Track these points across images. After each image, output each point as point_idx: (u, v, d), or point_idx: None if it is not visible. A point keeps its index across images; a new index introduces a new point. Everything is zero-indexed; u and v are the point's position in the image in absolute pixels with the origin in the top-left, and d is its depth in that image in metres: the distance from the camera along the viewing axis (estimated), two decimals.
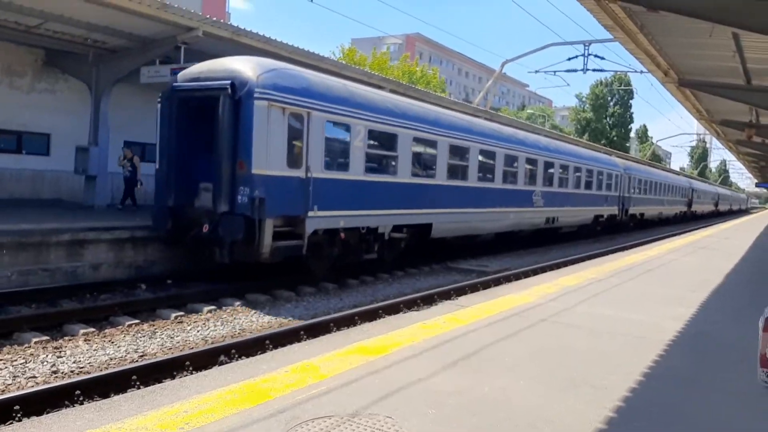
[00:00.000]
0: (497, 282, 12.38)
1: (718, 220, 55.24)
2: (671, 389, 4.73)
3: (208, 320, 8.71)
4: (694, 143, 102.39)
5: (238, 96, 9.90)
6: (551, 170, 20.66)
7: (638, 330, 6.58)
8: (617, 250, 19.68)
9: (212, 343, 7.61)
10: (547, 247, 21.03)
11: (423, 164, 14.01)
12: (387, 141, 12.68)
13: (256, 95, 9.84)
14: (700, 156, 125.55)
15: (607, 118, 77.24)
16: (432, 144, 14.10)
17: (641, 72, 28.14)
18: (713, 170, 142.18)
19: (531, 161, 19.05)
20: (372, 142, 12.22)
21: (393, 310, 9.35)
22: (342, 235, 11.62)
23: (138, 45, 14.80)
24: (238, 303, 9.83)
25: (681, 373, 5.17)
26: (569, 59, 27.99)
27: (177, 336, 7.90)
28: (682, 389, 4.77)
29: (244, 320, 8.84)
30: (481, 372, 4.82)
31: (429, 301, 10.19)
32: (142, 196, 16.30)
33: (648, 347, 5.87)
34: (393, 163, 12.90)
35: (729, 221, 47.50)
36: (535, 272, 13.72)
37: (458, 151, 15.10)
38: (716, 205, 67.67)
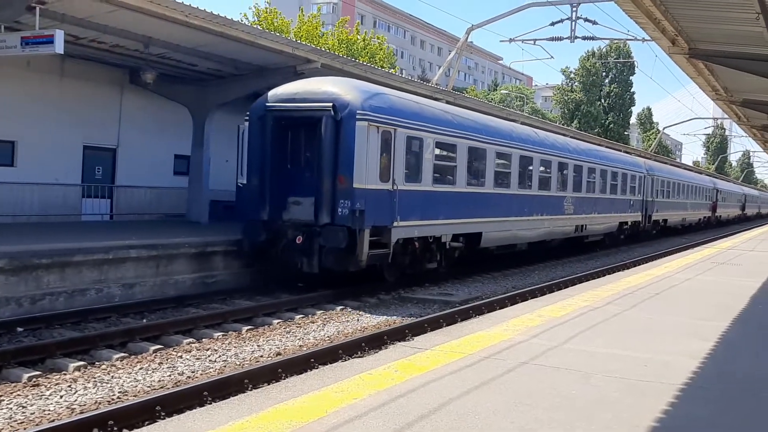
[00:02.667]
0: (465, 315, 12.50)
1: (744, 226, 58.07)
2: None
3: (75, 380, 8.44)
4: (709, 130, 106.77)
5: (339, 117, 13.72)
6: (580, 174, 24.73)
7: (644, 371, 6.78)
8: (617, 268, 20.28)
9: (81, 412, 7.36)
10: (529, 267, 21.46)
11: (474, 173, 17.91)
12: (448, 152, 16.68)
13: (358, 116, 13.72)
14: (717, 146, 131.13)
15: (602, 99, 79.76)
16: (482, 152, 18.07)
17: (643, 40, 29.15)
18: (734, 164, 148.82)
19: (562, 165, 23.20)
20: (438, 153, 16.20)
21: (329, 357, 9.32)
22: (416, 244, 15.52)
23: None
24: (116, 356, 9.58)
25: (701, 425, 5.35)
26: (552, 24, 28.92)
27: (31, 405, 7.62)
28: None
29: (125, 379, 8.61)
30: None
31: (377, 343, 10.21)
32: None
33: (657, 393, 6.05)
34: (452, 173, 16.86)
35: (755, 228, 49.82)
36: (513, 301, 13.95)
37: (503, 158, 19.20)
38: (743, 208, 71.64)
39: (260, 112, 14.63)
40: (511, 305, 12.45)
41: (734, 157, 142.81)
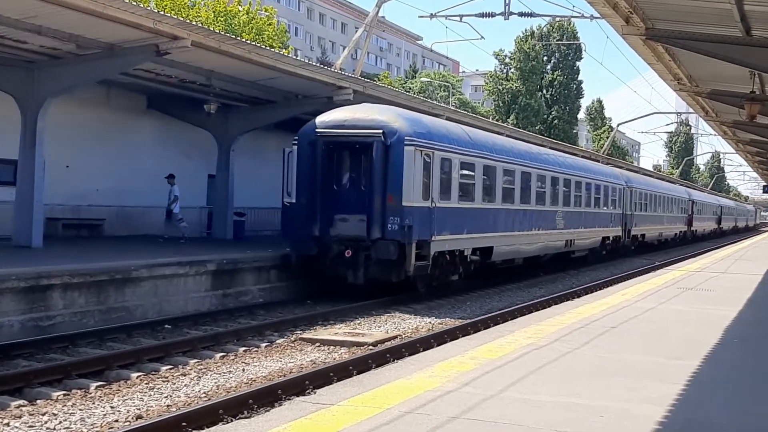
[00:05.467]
0: (381, 359, 12.56)
1: (719, 242, 61.46)
2: None
3: None
4: (672, 127, 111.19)
5: (388, 142, 19.03)
6: (569, 188, 30.93)
7: (600, 423, 6.97)
8: (566, 297, 20.80)
9: None
10: (459, 297, 21.76)
11: (487, 190, 23.53)
12: (468, 170, 22.21)
13: (406, 142, 19.12)
14: (681, 147, 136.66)
15: (543, 89, 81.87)
16: (492, 170, 23.85)
17: (591, 18, 30.21)
18: (702, 168, 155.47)
19: (554, 180, 29.31)
20: (463, 172, 21.78)
21: (207, 419, 9.15)
22: (447, 257, 20.92)
23: None
24: None
25: None
26: None
27: None
28: None
29: None
30: None
31: (269, 399, 10.11)
32: None
33: None
34: (472, 190, 22.48)
35: (730, 245, 52.27)
36: (441, 339, 14.13)
37: (508, 175, 25.06)
38: (719, 221, 76.46)
39: (311, 137, 19.79)
40: (438, 345, 12.59)
41: (702, 159, 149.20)
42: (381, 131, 19.00)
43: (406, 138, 19.12)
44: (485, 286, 24.04)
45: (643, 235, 43.90)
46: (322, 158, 19.56)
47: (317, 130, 19.73)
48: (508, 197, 24.92)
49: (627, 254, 41.00)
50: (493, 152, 24.08)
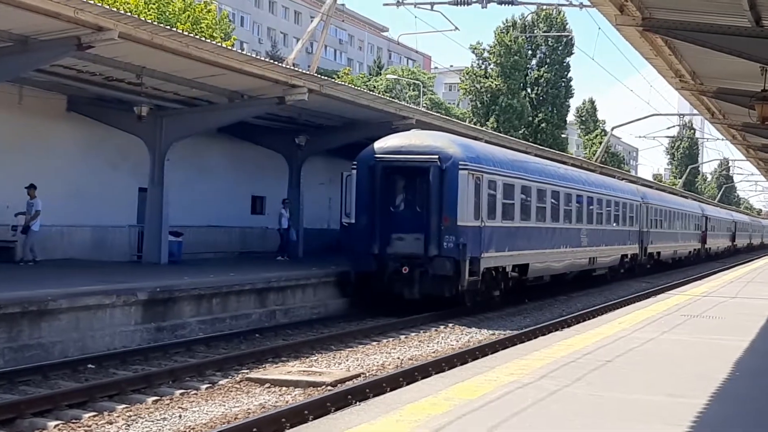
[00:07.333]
0: (341, 402, 12.54)
1: (730, 262, 63.29)
2: None
3: None
4: (674, 131, 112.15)
5: (444, 167, 23.67)
6: (591, 206, 36.41)
7: None
8: (555, 326, 20.88)
9: None
10: (433, 326, 21.78)
11: (524, 209, 28.66)
12: (509, 191, 27.42)
13: (460, 166, 23.94)
14: (685, 153, 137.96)
15: (528, 88, 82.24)
16: (528, 190, 29.15)
17: (581, 6, 30.51)
18: (708, 177, 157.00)
19: (579, 198, 34.78)
20: (505, 193, 26.86)
21: None
22: (493, 273, 25.83)
23: None
24: None
25: None
26: None
27: None
28: None
29: None
30: None
31: None
32: None
33: None
34: (512, 210, 27.59)
35: (743, 264, 53.04)
36: (411, 377, 14.15)
37: (541, 194, 30.34)
38: (733, 238, 79.01)
39: (370, 162, 24.60)
40: (408, 384, 12.57)
41: (708, 167, 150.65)
42: (437, 156, 23.78)
43: (460, 163, 23.92)
44: (460, 314, 24.13)
45: (658, 253, 49.00)
46: (380, 182, 24.28)
47: (376, 155, 24.54)
48: (541, 216, 30.14)
49: (644, 273, 45.22)
50: (528, 172, 29.51)
